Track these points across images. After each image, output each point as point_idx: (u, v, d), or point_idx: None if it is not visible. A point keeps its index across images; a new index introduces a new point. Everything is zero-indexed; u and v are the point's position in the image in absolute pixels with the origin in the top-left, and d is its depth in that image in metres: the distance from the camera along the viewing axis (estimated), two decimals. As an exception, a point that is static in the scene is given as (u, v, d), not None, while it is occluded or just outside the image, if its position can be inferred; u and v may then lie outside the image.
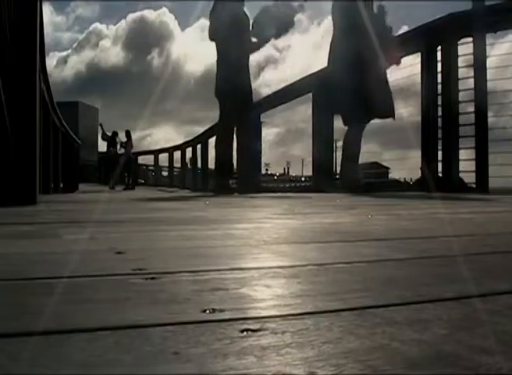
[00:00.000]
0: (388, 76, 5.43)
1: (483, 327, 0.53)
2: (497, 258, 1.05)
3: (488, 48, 5.04)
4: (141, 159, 20.45)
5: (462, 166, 5.19)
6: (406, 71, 5.71)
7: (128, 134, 14.04)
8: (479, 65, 5.00)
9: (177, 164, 16.60)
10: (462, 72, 5.22)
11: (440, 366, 0.42)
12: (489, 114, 5.04)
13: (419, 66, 5.51)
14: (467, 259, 0.97)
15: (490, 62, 5.06)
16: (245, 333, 0.50)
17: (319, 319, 0.55)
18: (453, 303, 0.63)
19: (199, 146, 12.73)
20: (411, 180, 7.40)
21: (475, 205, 3.27)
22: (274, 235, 1.47)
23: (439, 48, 5.30)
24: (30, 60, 3.07)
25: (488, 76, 4.98)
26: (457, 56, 5.22)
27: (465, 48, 5.20)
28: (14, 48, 2.96)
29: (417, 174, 5.62)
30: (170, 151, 17.15)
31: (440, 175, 5.21)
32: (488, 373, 0.41)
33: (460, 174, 5.20)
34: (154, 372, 0.41)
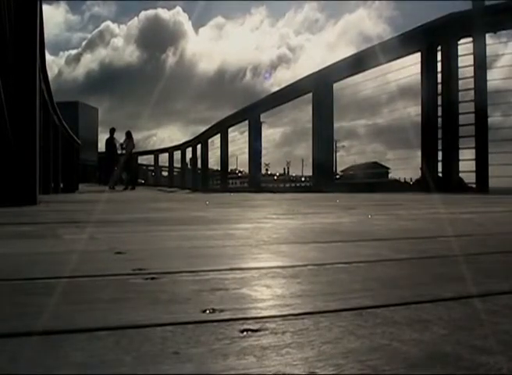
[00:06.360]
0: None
1: (483, 327, 0.53)
2: (497, 258, 1.04)
3: (501, 45, 5.03)
4: (141, 159, 20.46)
5: (462, 166, 5.19)
6: (409, 70, 5.68)
7: (129, 135, 14.04)
8: (479, 65, 5.00)
9: (177, 164, 16.63)
10: (462, 72, 5.21)
11: (440, 366, 0.42)
12: (497, 113, 5.04)
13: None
14: (467, 259, 0.97)
15: (503, 60, 5.04)
16: (245, 333, 0.50)
17: (319, 319, 0.55)
18: (453, 303, 0.63)
19: (199, 146, 12.75)
20: (411, 180, 7.40)
21: (475, 205, 3.27)
22: (274, 235, 1.47)
23: (439, 47, 5.30)
24: (30, 60, 3.07)
25: (499, 75, 4.97)
26: (457, 56, 5.22)
27: (465, 48, 5.20)
28: (14, 47, 2.96)
29: (419, 174, 5.62)
30: (170, 151, 17.17)
31: (440, 175, 5.21)
32: (488, 374, 0.40)
33: (460, 174, 5.19)
34: (154, 372, 0.41)
